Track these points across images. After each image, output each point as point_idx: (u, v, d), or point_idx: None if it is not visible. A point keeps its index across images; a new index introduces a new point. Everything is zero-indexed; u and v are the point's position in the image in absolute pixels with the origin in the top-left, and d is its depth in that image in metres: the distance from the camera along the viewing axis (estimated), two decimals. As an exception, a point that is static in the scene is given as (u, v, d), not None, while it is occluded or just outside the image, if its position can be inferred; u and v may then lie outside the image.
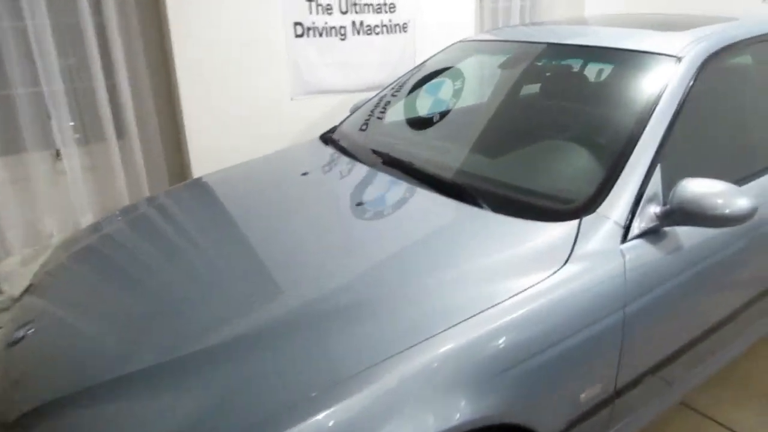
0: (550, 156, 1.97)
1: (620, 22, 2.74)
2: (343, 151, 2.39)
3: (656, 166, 1.66)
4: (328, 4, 3.52)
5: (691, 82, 1.84)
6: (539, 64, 2.41)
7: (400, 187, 1.96)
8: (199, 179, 2.43)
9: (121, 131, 3.17)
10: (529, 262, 1.45)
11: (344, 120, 2.73)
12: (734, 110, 2.20)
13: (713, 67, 1.92)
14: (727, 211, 1.50)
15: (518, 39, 2.56)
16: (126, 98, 3.12)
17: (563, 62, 2.34)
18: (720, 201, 1.52)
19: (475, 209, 1.71)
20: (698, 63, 1.89)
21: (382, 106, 2.62)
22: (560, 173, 1.89)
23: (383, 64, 3.81)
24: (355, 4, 3.62)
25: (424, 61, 2.76)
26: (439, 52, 2.78)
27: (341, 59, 3.66)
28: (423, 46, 3.93)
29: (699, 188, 1.55)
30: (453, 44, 2.83)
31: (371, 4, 3.68)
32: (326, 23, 3.55)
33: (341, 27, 3.61)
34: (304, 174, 2.27)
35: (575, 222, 1.56)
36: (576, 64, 2.32)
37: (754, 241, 1.89)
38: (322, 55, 3.59)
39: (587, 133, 2.03)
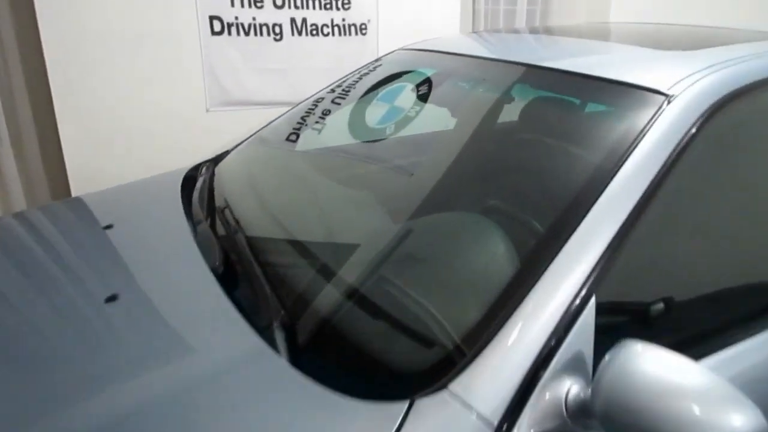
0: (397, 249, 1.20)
1: (621, 34, 1.93)
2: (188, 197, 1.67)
3: (590, 296, 0.87)
4: (256, -5, 2.79)
5: (683, 139, 1.04)
6: (463, 88, 1.61)
7: (192, 275, 1.22)
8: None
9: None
10: None
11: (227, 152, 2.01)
12: (748, 195, 1.34)
13: (725, 114, 1.10)
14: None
15: (458, 51, 1.77)
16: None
17: (504, 90, 1.54)
18: (696, 411, 0.72)
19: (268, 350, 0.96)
20: (700, 106, 1.08)
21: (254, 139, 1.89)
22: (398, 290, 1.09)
23: (332, 72, 3.04)
24: (292, -4, 2.88)
25: (342, 79, 2.00)
26: (363, 67, 2.02)
27: (275, 65, 2.93)
28: (389, 53, 3.15)
29: (651, 372, 0.75)
30: (388, 54, 2.08)
31: (317, -2, 2.93)
32: (254, 19, 2.82)
33: (275, 25, 2.88)
34: (108, 227, 1.54)
35: (399, 406, 0.80)
36: (521, 95, 1.51)
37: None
38: (249, 58, 2.87)
39: (478, 220, 1.24)
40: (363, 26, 3.12)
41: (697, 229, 1.19)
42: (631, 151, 1.03)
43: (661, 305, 1.06)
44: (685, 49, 1.38)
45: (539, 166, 1.36)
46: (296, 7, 2.89)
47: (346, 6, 3.03)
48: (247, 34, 2.83)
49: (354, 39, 3.12)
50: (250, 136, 2.04)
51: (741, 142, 1.25)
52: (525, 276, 0.92)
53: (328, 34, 3.03)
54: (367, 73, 1.97)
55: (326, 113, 1.86)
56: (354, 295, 1.11)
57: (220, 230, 1.45)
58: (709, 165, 1.16)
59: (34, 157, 2.73)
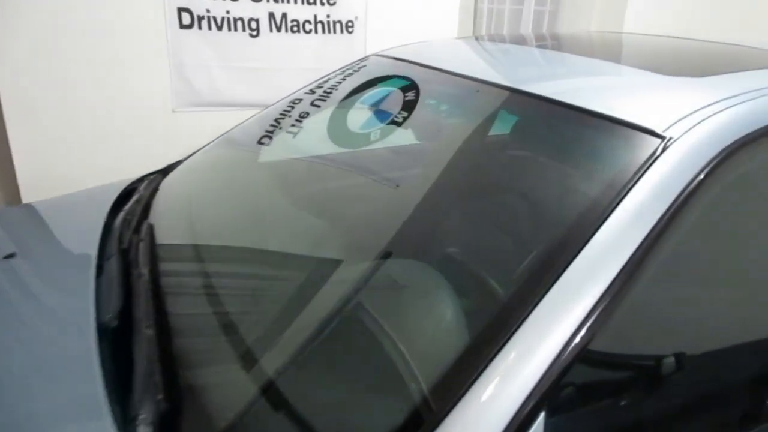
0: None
1: (628, 49, 1.67)
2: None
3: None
4: (230, -14, 2.54)
5: (680, 196, 0.79)
6: (433, 109, 1.35)
7: (70, 338, 0.99)
8: None
9: None
10: None
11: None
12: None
13: (736, 164, 0.85)
14: None
15: (435, 63, 1.49)
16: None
17: (478, 117, 1.28)
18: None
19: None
20: (704, 154, 0.83)
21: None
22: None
23: (314, 73, 2.80)
24: (270, -11, 2.63)
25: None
26: (347, 67, 1.78)
27: (250, 63, 2.68)
28: (379, 54, 2.89)
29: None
30: (363, 59, 1.84)
31: (297, -9, 2.68)
32: (228, 12, 2.58)
33: (251, 19, 2.64)
34: (9, 256, 1.32)
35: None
36: (496, 124, 1.24)
37: None
38: (221, 55, 2.63)
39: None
40: (349, 24, 2.86)
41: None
42: (605, 217, 0.78)
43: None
44: (696, 74, 1.12)
45: (509, 214, 1.11)
46: (276, 0, 2.65)
47: (331, 1, 2.77)
48: (219, 28, 2.59)
49: (339, 37, 2.87)
50: (211, 142, 1.80)
51: (752, 200, 0.98)
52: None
53: (310, 32, 2.78)
54: (351, 74, 1.73)
55: (304, 116, 1.61)
56: (278, 379, 0.87)
57: (132, 270, 1.21)
58: (710, 227, 0.90)
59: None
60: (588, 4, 3.99)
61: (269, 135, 1.61)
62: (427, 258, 1.08)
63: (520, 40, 1.87)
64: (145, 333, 0.95)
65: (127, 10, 2.43)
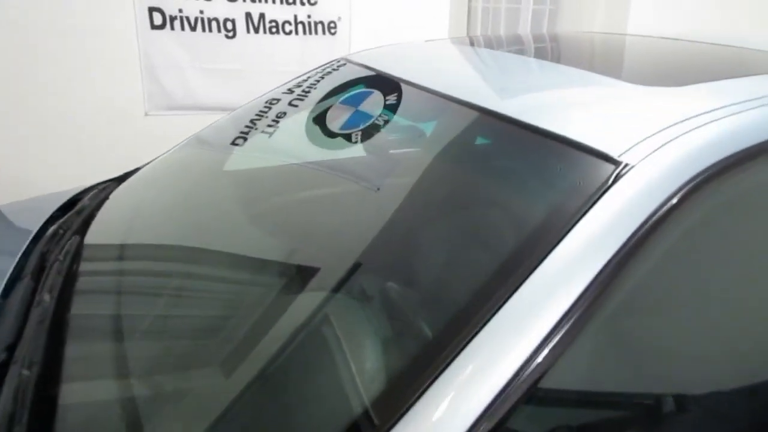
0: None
1: (619, 53, 1.54)
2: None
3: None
4: (203, -15, 2.42)
5: (639, 230, 0.66)
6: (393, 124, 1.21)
7: None
8: None
9: None
10: None
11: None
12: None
13: (708, 193, 0.71)
14: None
15: (401, 73, 1.34)
16: None
17: (435, 135, 1.13)
18: None
19: None
20: (666, 185, 0.68)
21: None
22: None
23: (294, 75, 2.67)
24: (247, -13, 2.50)
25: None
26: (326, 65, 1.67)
27: (226, 65, 2.56)
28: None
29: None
30: (329, 63, 1.72)
31: (275, -11, 2.55)
32: (202, 12, 2.46)
33: (227, 20, 2.52)
34: None
35: None
36: (453, 141, 1.09)
37: None
38: (195, 56, 2.51)
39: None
40: (332, 24, 2.73)
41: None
42: (558, 240, 0.65)
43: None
44: (676, 82, 0.98)
45: (457, 231, 0.97)
46: (252, 0, 2.52)
47: (312, 1, 2.65)
48: (193, 29, 2.47)
49: (321, 39, 2.74)
50: (178, 145, 1.68)
51: (721, 237, 0.83)
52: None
53: (290, 33, 2.65)
54: (329, 72, 1.60)
55: (281, 116, 1.49)
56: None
57: (44, 297, 1.09)
58: (671, 265, 0.76)
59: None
60: (591, 3, 3.83)
61: (244, 136, 1.49)
62: (380, 266, 0.95)
63: (497, 44, 1.72)
64: (22, 374, 0.83)
65: (96, 10, 2.32)
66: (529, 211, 0.80)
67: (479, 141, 0.99)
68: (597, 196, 0.69)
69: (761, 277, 0.85)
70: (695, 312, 0.81)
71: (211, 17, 2.49)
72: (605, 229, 0.67)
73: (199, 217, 1.32)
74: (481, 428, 0.58)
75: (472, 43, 1.72)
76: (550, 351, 0.62)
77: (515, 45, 1.68)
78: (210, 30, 2.50)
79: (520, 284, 0.65)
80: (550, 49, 1.54)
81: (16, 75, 2.29)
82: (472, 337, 0.64)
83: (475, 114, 0.96)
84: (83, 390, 0.88)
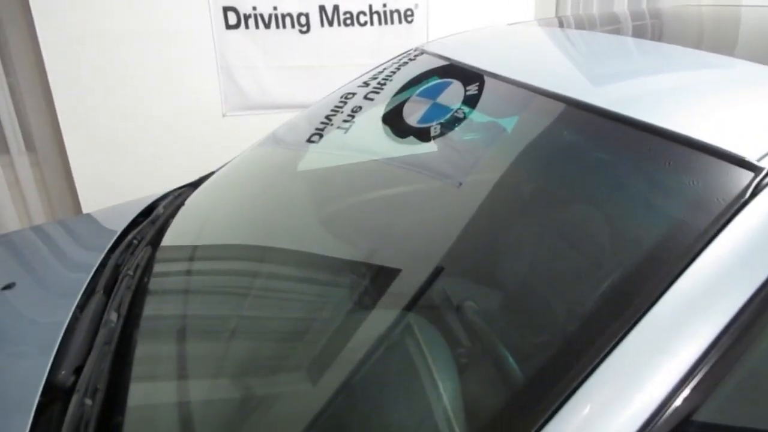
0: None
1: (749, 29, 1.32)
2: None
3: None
4: (276, -19, 2.38)
5: None
6: (472, 126, 1.08)
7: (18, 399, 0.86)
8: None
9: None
10: None
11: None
12: None
13: None
14: None
15: (484, 65, 1.20)
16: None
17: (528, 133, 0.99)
18: None
19: None
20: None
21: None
22: None
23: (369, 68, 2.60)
24: (320, -21, 2.44)
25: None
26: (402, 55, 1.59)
27: (301, 62, 2.52)
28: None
29: None
30: (404, 53, 1.64)
31: (349, -21, 2.47)
32: (276, 9, 2.42)
33: (301, 15, 2.47)
34: (7, 287, 1.23)
35: None
36: (542, 141, 0.94)
37: None
38: (270, 55, 2.48)
39: None
40: (408, 12, 2.62)
41: None
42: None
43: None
44: None
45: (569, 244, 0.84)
46: (324, -9, 2.46)
47: (386, -12, 2.54)
48: (267, 26, 2.44)
49: (398, 28, 2.63)
50: (253, 145, 1.65)
51: None
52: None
53: (365, 24, 2.56)
54: (405, 63, 1.52)
55: (356, 110, 1.42)
56: None
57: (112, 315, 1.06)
58: None
59: (50, 168, 2.55)
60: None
61: (320, 132, 1.43)
62: (482, 281, 0.84)
63: (590, 24, 1.54)
64: (85, 404, 0.79)
65: (173, 15, 2.34)
66: (645, 227, 0.65)
67: (573, 140, 0.85)
68: (735, 210, 0.54)
69: None
70: None
71: (285, 13, 2.44)
72: (749, 249, 0.53)
73: (275, 221, 1.26)
74: None
75: (561, 25, 1.55)
76: (688, 395, 0.49)
77: (611, 24, 1.49)
78: (284, 26, 2.46)
79: (646, 311, 0.53)
80: (652, 27, 1.35)
81: (101, 84, 2.36)
82: (591, 371, 0.52)
83: (566, 108, 0.82)
84: (147, 420, 0.83)
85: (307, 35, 2.50)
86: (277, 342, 0.91)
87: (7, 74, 2.31)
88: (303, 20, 2.47)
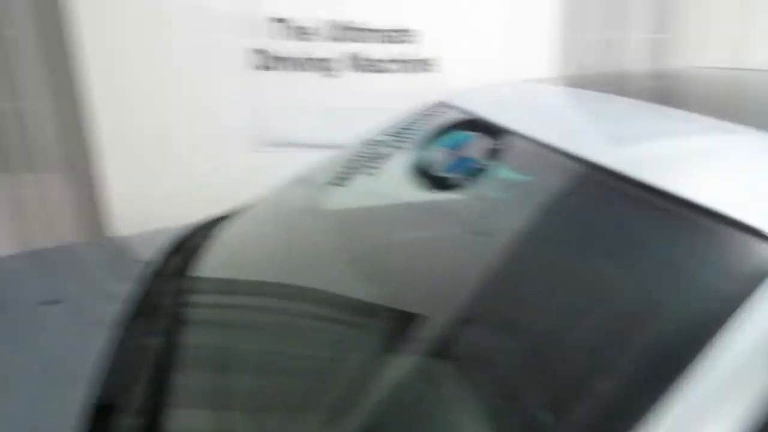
0: None
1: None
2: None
3: None
4: (306, 27, 2.49)
5: None
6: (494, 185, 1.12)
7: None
8: None
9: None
10: None
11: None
12: None
13: None
14: None
15: (505, 122, 1.25)
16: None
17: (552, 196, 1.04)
18: None
19: None
20: None
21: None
22: None
23: (394, 113, 2.68)
24: (348, 29, 2.54)
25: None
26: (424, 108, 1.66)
27: (327, 103, 2.61)
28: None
29: None
30: (427, 106, 1.71)
31: (376, 30, 2.58)
32: (303, 53, 2.53)
33: (326, 59, 2.56)
34: (53, 302, 1.28)
35: None
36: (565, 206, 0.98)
37: None
38: (299, 96, 2.57)
39: None
40: (429, 61, 2.72)
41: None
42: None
43: None
44: None
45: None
46: (351, 39, 2.56)
47: (409, 38, 2.65)
48: (294, 68, 2.54)
49: (420, 76, 2.73)
50: (279, 185, 1.71)
51: None
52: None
53: (387, 71, 2.66)
54: (428, 115, 1.58)
55: (379, 158, 1.48)
56: None
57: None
58: None
59: (84, 188, 2.64)
60: (704, 32, 3.57)
61: (345, 176, 1.49)
62: (498, 327, 0.86)
63: (607, 84, 1.60)
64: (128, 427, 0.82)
65: (205, 54, 2.45)
66: (668, 302, 0.68)
67: (591, 202, 0.89)
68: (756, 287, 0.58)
69: None
70: None
71: (311, 57, 2.55)
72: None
73: (300, 261, 1.30)
74: None
75: (582, 85, 1.61)
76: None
77: (627, 84, 1.55)
78: (311, 69, 2.56)
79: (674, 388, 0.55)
80: (667, 90, 1.40)
81: (138, 116, 2.46)
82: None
83: (589, 172, 0.86)
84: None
85: (333, 79, 2.60)
86: (306, 382, 0.94)
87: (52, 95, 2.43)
88: (329, 65, 2.57)
